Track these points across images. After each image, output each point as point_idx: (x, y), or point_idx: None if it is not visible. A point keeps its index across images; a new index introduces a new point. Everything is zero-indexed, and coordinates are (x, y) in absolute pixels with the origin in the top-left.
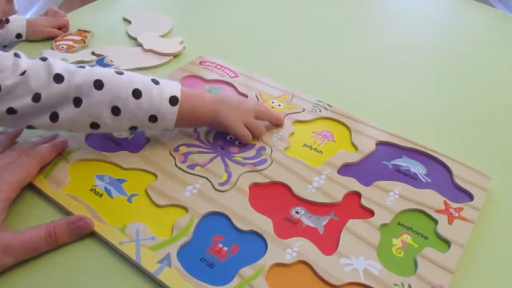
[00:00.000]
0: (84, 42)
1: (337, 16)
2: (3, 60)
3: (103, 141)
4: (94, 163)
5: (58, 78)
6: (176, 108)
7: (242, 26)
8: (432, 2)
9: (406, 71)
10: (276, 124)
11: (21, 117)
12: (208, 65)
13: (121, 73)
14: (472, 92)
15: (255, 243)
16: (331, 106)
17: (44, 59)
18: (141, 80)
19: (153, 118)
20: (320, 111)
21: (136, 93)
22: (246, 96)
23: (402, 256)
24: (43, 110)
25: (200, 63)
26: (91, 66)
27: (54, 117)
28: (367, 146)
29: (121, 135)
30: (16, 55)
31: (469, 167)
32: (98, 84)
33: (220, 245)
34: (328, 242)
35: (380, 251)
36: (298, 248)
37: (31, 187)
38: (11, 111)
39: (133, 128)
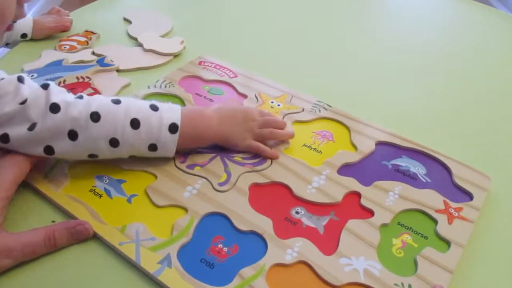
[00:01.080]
0: (87, 44)
1: (337, 16)
2: (5, 85)
3: None
4: (93, 164)
5: (55, 108)
6: (176, 135)
7: (242, 26)
8: (432, 2)
9: (405, 71)
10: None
11: (14, 146)
12: (208, 65)
13: (118, 102)
14: (471, 92)
15: (255, 243)
16: (330, 106)
17: (45, 86)
18: (139, 109)
19: (152, 147)
20: (320, 111)
21: (134, 123)
22: (245, 96)
23: (402, 256)
24: (37, 141)
25: (199, 63)
26: (91, 65)
27: (49, 150)
28: (367, 146)
29: None
30: (19, 79)
31: (469, 167)
32: (95, 117)
33: (220, 245)
34: (328, 242)
35: (380, 251)
36: (298, 248)
37: (30, 188)
38: (4, 138)
39: (132, 157)
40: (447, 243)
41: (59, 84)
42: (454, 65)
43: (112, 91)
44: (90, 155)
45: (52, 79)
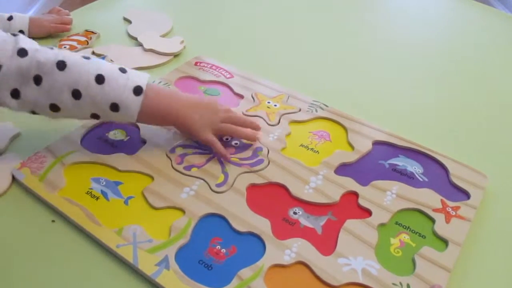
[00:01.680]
0: (88, 44)
1: (334, 16)
2: None
3: (99, 143)
4: (89, 166)
5: (22, 53)
6: (140, 98)
7: (241, 26)
8: (431, 2)
9: (402, 70)
10: (252, 129)
11: None
12: (204, 66)
13: (88, 58)
14: (469, 91)
15: (253, 244)
16: (327, 106)
17: (15, 35)
18: (108, 67)
19: (114, 107)
20: (316, 111)
21: (99, 79)
22: (242, 96)
23: (400, 256)
24: (3, 84)
25: (196, 63)
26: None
27: (15, 93)
28: (364, 146)
29: (116, 137)
30: None
31: (466, 166)
32: (61, 65)
33: (218, 246)
34: (327, 243)
35: (378, 250)
36: (296, 249)
37: (26, 191)
38: None
39: (94, 116)
40: (445, 242)
41: None
42: (452, 64)
43: None
44: (52, 106)
45: None
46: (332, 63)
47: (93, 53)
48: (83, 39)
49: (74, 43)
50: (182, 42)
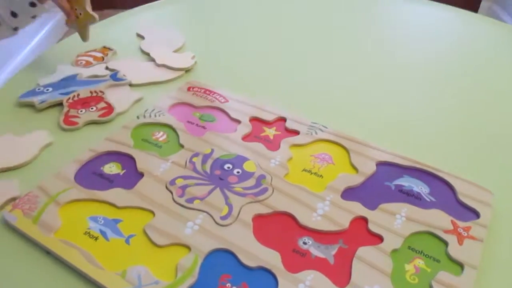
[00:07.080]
0: (103, 60)
1: (334, 30)
2: None
3: (94, 179)
4: (86, 204)
5: None
6: None
7: (246, 44)
8: (438, 16)
9: (402, 86)
10: None
11: None
12: (197, 91)
13: None
14: (470, 105)
15: (264, 279)
16: (326, 128)
17: None
18: None
19: None
20: (316, 133)
21: None
22: (239, 121)
23: (417, 283)
24: None
25: (189, 89)
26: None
27: None
28: (368, 167)
29: (112, 171)
30: None
31: (471, 183)
32: None
33: (229, 284)
34: (340, 273)
35: (394, 278)
36: (310, 282)
37: (19, 234)
38: None
39: None
40: (460, 265)
41: (73, 98)
42: (457, 79)
43: (124, 105)
44: None
45: (66, 93)
46: (327, 82)
47: (107, 68)
48: (99, 55)
49: (91, 59)
50: (193, 57)
